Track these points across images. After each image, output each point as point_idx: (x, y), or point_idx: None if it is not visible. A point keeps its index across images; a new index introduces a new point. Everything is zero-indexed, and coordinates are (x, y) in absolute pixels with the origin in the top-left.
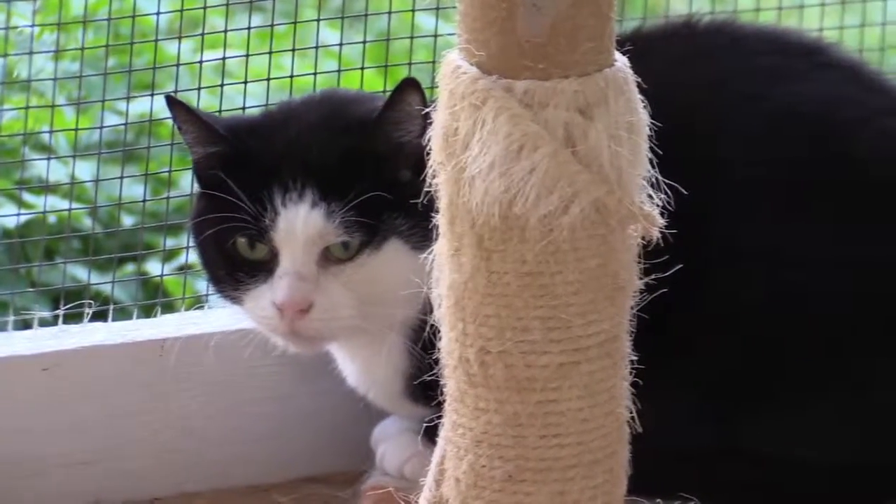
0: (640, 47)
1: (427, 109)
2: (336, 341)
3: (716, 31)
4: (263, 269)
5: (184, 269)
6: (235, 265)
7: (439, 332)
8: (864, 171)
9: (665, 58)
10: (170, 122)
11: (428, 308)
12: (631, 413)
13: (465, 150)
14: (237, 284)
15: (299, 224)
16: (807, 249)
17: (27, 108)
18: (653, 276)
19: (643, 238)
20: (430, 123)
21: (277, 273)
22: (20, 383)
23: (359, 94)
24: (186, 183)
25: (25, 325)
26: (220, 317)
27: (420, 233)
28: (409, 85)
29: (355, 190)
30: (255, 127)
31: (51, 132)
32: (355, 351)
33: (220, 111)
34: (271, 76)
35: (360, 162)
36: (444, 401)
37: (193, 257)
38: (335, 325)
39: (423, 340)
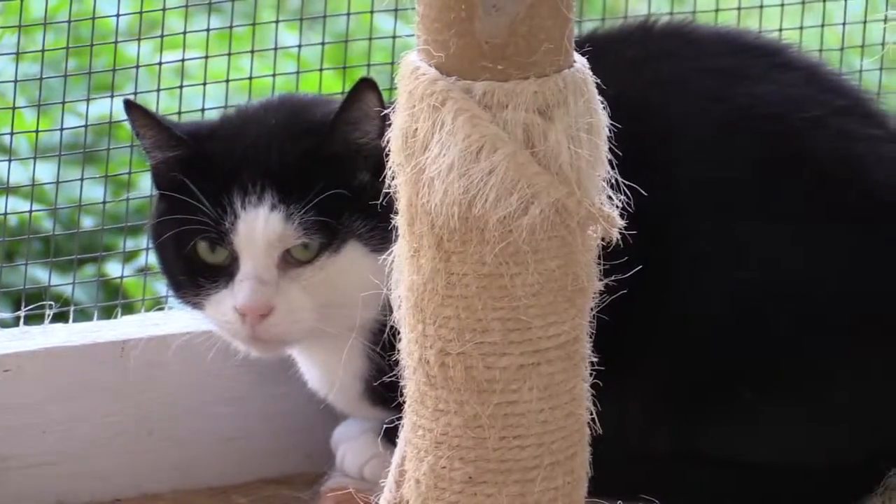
0: (596, 50)
1: (386, 111)
2: (297, 345)
3: (672, 32)
4: (224, 273)
5: (144, 270)
6: (196, 270)
7: (399, 333)
8: (821, 170)
9: (621, 60)
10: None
11: (388, 310)
12: (591, 414)
13: (424, 152)
14: (198, 289)
15: (259, 227)
16: (763, 249)
17: None
18: (613, 278)
19: (603, 239)
20: (389, 124)
21: (238, 277)
22: None
23: (316, 97)
24: (146, 184)
25: None
26: (181, 318)
27: (379, 235)
28: (366, 85)
29: (314, 192)
30: (213, 131)
31: (11, 134)
32: (315, 355)
33: (179, 113)
34: (230, 78)
35: (319, 164)
36: (403, 402)
37: (153, 258)
38: (296, 328)
39: (382, 343)
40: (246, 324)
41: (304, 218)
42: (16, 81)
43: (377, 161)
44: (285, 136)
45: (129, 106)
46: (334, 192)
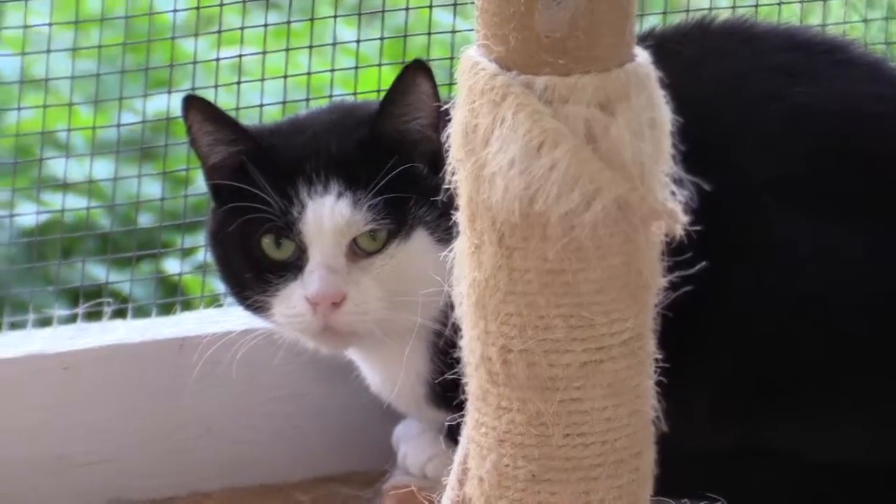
0: (653, 49)
1: (443, 105)
2: (365, 339)
3: (730, 30)
4: (291, 268)
5: (202, 267)
6: (262, 267)
7: (460, 331)
8: (882, 167)
9: (678, 59)
10: None
11: (449, 307)
12: (656, 412)
13: (484, 147)
14: (265, 286)
15: (327, 214)
16: (824, 246)
17: (44, 106)
18: (677, 274)
19: (666, 235)
20: (446, 118)
21: (308, 268)
22: (39, 382)
23: (365, 101)
24: (203, 181)
25: (44, 323)
26: (239, 315)
27: (444, 226)
28: (417, 67)
29: (378, 177)
30: (271, 130)
31: (68, 131)
32: (377, 357)
33: (237, 109)
34: (288, 73)
35: (377, 150)
36: (466, 401)
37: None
38: (368, 317)
39: (444, 341)
40: (317, 314)
41: (372, 203)
42: (72, 78)
43: (434, 154)
44: (342, 129)
45: (191, 101)
46: (398, 179)
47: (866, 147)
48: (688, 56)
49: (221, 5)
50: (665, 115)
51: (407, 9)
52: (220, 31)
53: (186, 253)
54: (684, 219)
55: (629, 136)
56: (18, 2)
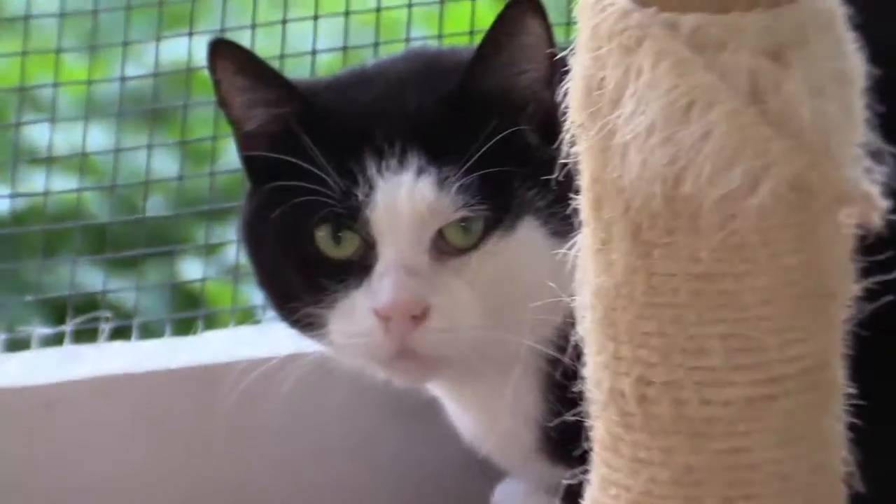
0: None
1: (557, 52)
2: (456, 366)
3: None
4: (354, 270)
5: (233, 270)
6: (316, 269)
7: (583, 357)
8: None
9: None
10: None
11: (570, 324)
12: (848, 465)
13: (614, 109)
14: (319, 295)
15: (403, 197)
16: None
17: (22, 53)
18: (873, 279)
19: (859, 227)
20: (563, 70)
21: (377, 270)
22: (17, 423)
23: (453, 47)
24: (236, 154)
25: (20, 346)
26: (284, 335)
27: (560, 214)
28: (524, 2)
29: (472, 148)
30: (329, 85)
31: (53, 86)
32: (470, 393)
33: (281, 56)
34: (350, 9)
35: (471, 113)
36: (590, 452)
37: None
38: (459, 337)
39: (562, 372)
40: (391, 332)
41: (464, 183)
42: (60, 16)
43: (546, 118)
44: (423, 84)
45: (221, 46)
46: (499, 150)
47: None
48: None
49: None
50: (856, 65)
51: None
52: None
53: (211, 251)
54: (884, 204)
55: (808, 93)
56: None
